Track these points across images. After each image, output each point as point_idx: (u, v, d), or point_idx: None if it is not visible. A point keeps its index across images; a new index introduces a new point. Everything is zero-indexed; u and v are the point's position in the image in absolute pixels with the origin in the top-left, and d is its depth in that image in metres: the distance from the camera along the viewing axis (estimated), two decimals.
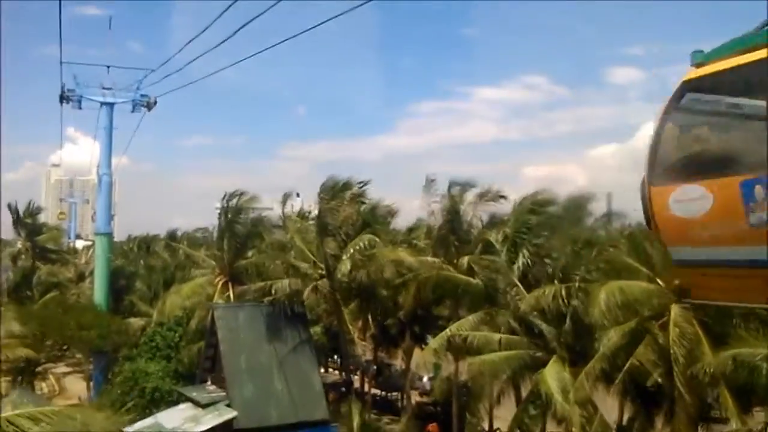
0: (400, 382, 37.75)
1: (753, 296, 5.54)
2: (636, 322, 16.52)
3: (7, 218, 49.73)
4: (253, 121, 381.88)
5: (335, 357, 42.58)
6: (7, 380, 29.78)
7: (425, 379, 39.84)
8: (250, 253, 32.88)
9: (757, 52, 4.71)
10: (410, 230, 37.05)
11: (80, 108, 39.67)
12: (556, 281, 19.71)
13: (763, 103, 5.10)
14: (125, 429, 23.33)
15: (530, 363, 19.10)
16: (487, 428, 27.68)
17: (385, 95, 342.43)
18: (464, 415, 27.23)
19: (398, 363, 39.18)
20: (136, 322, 37.37)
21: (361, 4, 10.60)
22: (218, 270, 32.47)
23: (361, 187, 29.35)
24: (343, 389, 34.84)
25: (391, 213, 33.20)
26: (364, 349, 36.18)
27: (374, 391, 37.94)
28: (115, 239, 53.62)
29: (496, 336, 19.94)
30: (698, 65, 5.27)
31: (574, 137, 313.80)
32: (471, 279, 23.81)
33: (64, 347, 34.94)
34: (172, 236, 57.49)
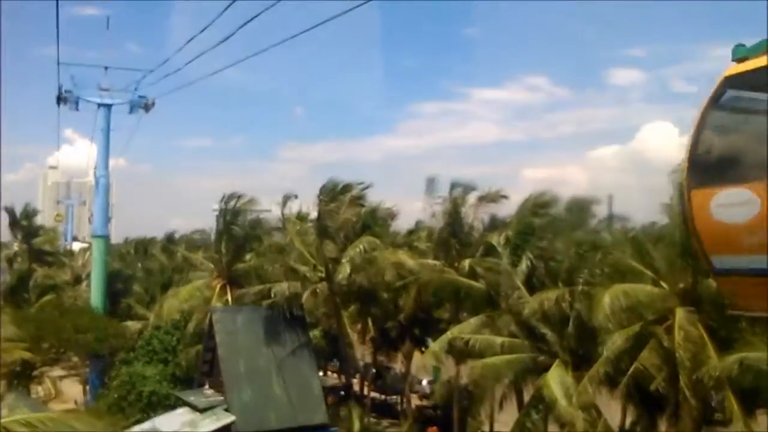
0: (399, 385, 37.54)
1: None
2: (640, 326, 16.34)
3: (4, 220, 49.50)
4: (251, 121, 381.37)
5: (334, 360, 42.35)
6: (3, 384, 29.46)
7: (424, 382, 39.66)
8: (248, 256, 32.66)
9: None
10: (410, 232, 36.88)
11: (77, 109, 39.41)
12: (560, 284, 19.52)
13: None
14: None
15: (533, 367, 18.90)
16: None
17: (386, 96, 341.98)
18: (465, 419, 26.99)
19: (398, 366, 39.00)
20: (133, 325, 37.10)
21: (361, 4, 10.44)
22: (216, 273, 32.23)
23: (362, 190, 29.15)
24: (342, 393, 34.63)
25: (392, 215, 33.02)
26: (363, 353, 35.99)
27: (373, 394, 37.74)
28: (112, 241, 53.41)
29: (498, 339, 19.73)
30: (740, 60, 5.00)
31: (575, 138, 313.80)
32: (473, 282, 23.63)
33: (61, 350, 34.61)
34: (169, 238, 57.24)
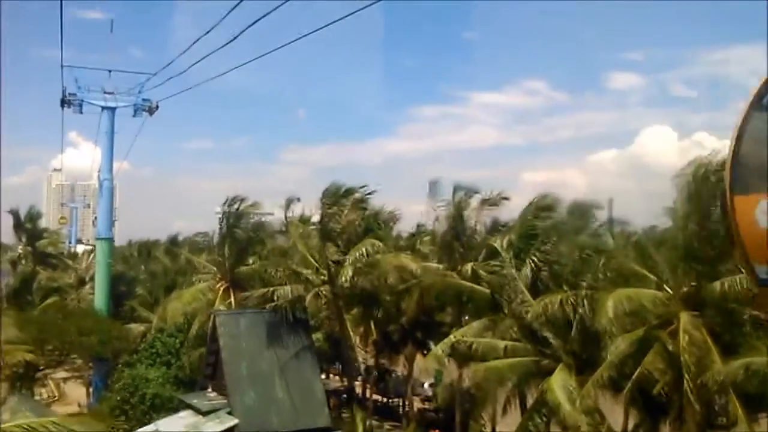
0: (401, 388, 37.55)
1: None
2: (644, 330, 16.29)
3: (8, 223, 49.66)
4: (254, 124, 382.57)
5: (336, 363, 42.33)
6: (6, 386, 29.55)
7: (426, 385, 39.65)
8: (251, 260, 32.70)
9: None
10: (412, 235, 36.88)
11: (81, 112, 39.61)
12: (566, 287, 19.48)
13: None
14: None
15: (536, 370, 18.85)
16: None
17: (386, 99, 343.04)
18: (468, 423, 26.95)
19: (399, 369, 38.99)
20: (136, 327, 37.18)
21: (364, 8, 10.52)
22: (219, 276, 32.27)
23: (367, 194, 29.16)
24: (344, 396, 34.61)
25: (394, 219, 33.03)
26: (365, 356, 35.96)
27: (375, 396, 37.73)
28: (116, 244, 53.49)
29: (502, 343, 19.70)
30: None
31: (574, 142, 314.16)
32: (475, 286, 23.62)
33: (64, 353, 34.69)
34: (173, 241, 57.32)
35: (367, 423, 28.32)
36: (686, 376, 14.86)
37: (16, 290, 43.04)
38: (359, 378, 35.70)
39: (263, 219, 35.43)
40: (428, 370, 32.68)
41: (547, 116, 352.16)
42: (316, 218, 35.61)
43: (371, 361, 37.20)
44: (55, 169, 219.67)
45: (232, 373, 24.49)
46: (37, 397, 37.01)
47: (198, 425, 23.23)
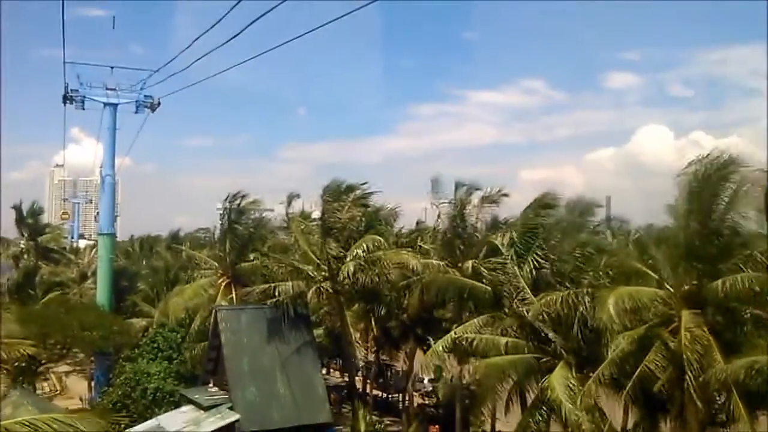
0: (400, 383, 37.63)
1: None
2: (645, 328, 16.29)
3: (10, 218, 49.78)
4: (254, 121, 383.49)
5: (337, 359, 42.42)
6: (7, 380, 29.66)
7: (426, 380, 39.73)
8: (252, 255, 32.75)
9: None
10: (411, 232, 36.87)
11: (83, 108, 39.71)
12: (568, 284, 19.47)
13: None
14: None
15: (537, 367, 18.86)
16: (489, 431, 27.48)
17: (385, 97, 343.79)
18: (468, 419, 27.01)
19: (399, 365, 39.07)
20: (138, 322, 37.34)
21: (362, 6, 10.55)
22: (221, 271, 32.34)
23: (368, 192, 29.15)
24: (344, 393, 34.70)
25: (394, 216, 33.01)
26: (366, 351, 35.98)
27: (375, 392, 37.81)
28: (118, 239, 53.64)
29: (503, 339, 19.68)
30: None
31: (572, 141, 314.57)
32: (476, 282, 23.62)
33: (66, 347, 34.81)
34: (174, 236, 57.42)
35: (368, 417, 28.41)
36: (689, 374, 14.84)
37: (19, 285, 43.21)
38: (359, 373, 35.75)
39: (264, 215, 35.56)
40: (428, 365, 32.69)
41: (545, 115, 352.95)
42: (316, 214, 35.71)
43: (371, 357, 37.26)
44: (57, 165, 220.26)
45: (234, 369, 24.57)
46: (39, 391, 37.16)
47: (199, 420, 23.32)
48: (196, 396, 25.14)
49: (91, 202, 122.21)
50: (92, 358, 39.05)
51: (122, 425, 24.49)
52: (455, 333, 21.97)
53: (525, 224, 23.19)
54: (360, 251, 26.20)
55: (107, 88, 38.75)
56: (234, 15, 13.49)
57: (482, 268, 23.82)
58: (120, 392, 28.66)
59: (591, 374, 17.16)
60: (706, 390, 15.33)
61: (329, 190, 28.27)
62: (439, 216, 26.60)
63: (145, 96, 39.26)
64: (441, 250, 27.04)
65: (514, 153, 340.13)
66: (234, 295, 30.79)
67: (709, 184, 16.12)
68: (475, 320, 21.81)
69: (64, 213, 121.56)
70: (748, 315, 16.23)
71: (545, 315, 18.65)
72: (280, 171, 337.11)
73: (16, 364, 28.90)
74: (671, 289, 16.76)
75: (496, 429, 27.03)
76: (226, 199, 32.86)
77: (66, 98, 38.83)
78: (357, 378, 34.17)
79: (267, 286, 26.87)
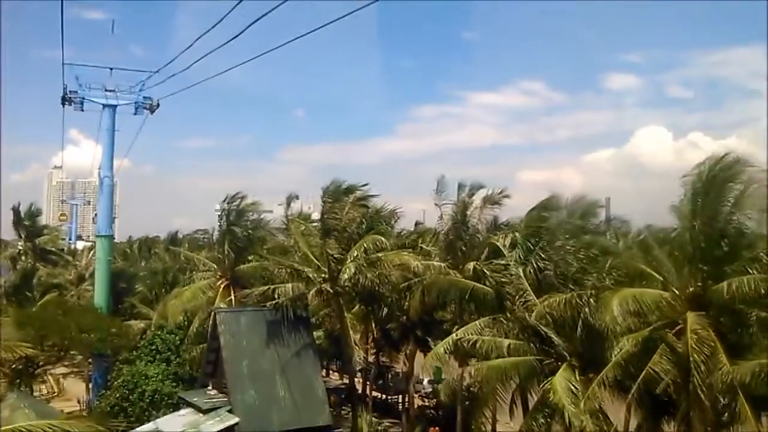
0: (400, 385, 37.46)
1: None
2: (650, 330, 16.12)
3: (7, 219, 49.55)
4: (253, 123, 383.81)
5: (336, 361, 42.22)
6: (5, 382, 29.43)
7: (425, 381, 39.57)
8: (251, 257, 32.53)
9: None
10: (411, 233, 36.66)
11: (82, 110, 39.55)
12: (571, 285, 19.29)
13: None
14: None
15: (539, 370, 18.68)
16: None
17: (385, 98, 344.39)
18: (468, 421, 26.81)
19: (399, 366, 38.91)
20: (136, 324, 37.10)
21: (362, 7, 10.45)
22: (220, 273, 32.12)
23: (369, 195, 28.94)
24: (344, 396, 34.50)
25: (395, 217, 32.78)
26: (366, 353, 35.79)
27: (375, 394, 37.62)
28: (116, 241, 53.38)
29: (505, 341, 19.51)
30: None
31: (572, 142, 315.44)
32: (477, 284, 23.46)
33: (64, 349, 34.58)
34: (173, 238, 57.25)
35: (368, 418, 28.24)
36: (696, 376, 14.67)
37: (16, 286, 42.95)
38: (358, 375, 35.57)
39: (262, 217, 35.35)
40: (427, 367, 32.53)
41: (545, 116, 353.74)
42: (315, 216, 35.54)
43: (371, 359, 37.08)
44: (55, 167, 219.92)
45: (233, 371, 24.35)
46: (36, 394, 36.92)
47: (198, 423, 23.09)
48: (195, 399, 24.91)
49: (90, 204, 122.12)
50: (90, 360, 38.82)
51: (120, 429, 24.28)
52: (457, 335, 21.79)
53: (528, 226, 23.01)
54: (360, 252, 25.98)
55: (106, 90, 38.61)
56: (234, 16, 13.40)
57: (485, 270, 23.64)
58: (118, 395, 28.43)
59: (594, 377, 16.98)
60: (711, 392, 15.16)
61: (329, 191, 28.04)
62: (441, 217, 26.43)
63: (144, 97, 39.11)
64: (442, 252, 26.87)
65: (513, 154, 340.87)
66: (233, 297, 30.58)
67: (714, 184, 15.98)
68: (477, 322, 21.64)
69: (62, 214, 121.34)
70: (754, 317, 16.05)
71: (548, 317, 18.47)
72: (279, 172, 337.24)
73: (14, 366, 28.68)
74: (676, 291, 16.60)
75: (497, 431, 26.82)
76: (224, 201, 32.70)
77: (65, 100, 38.67)
78: (356, 380, 34.00)
79: (266, 288, 26.66)
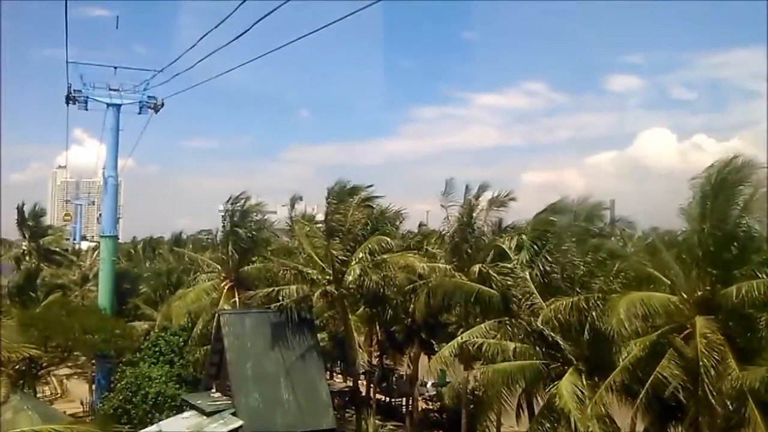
0: (404, 388, 37.30)
1: None
2: (658, 335, 15.95)
3: (11, 219, 49.54)
4: (257, 122, 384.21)
5: (340, 363, 42.08)
6: (8, 384, 29.40)
7: (429, 384, 39.42)
8: (255, 258, 32.42)
9: None
10: (415, 235, 36.51)
11: (86, 109, 39.52)
12: (578, 289, 19.12)
13: None
14: None
15: (545, 374, 18.51)
16: None
17: (388, 99, 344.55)
18: (473, 424, 26.66)
19: (403, 369, 38.74)
20: (140, 325, 37.05)
21: (364, 8, 10.39)
22: (224, 274, 32.02)
23: (374, 196, 28.80)
24: (348, 399, 34.35)
25: (400, 218, 32.62)
26: (370, 356, 35.67)
27: (378, 396, 37.46)
28: (120, 241, 53.40)
29: (511, 345, 19.35)
30: None
31: (574, 143, 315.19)
32: (482, 287, 23.30)
33: (67, 350, 34.54)
34: (177, 239, 57.21)
35: (371, 421, 28.09)
36: (706, 381, 14.49)
37: (20, 287, 42.92)
38: (362, 378, 35.46)
39: (266, 217, 35.24)
40: (434, 370, 32.37)
41: (547, 117, 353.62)
42: (319, 217, 35.40)
43: (375, 361, 36.94)
44: (59, 166, 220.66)
45: (237, 374, 24.26)
46: (39, 395, 36.89)
47: (202, 426, 23.00)
48: (199, 401, 24.82)
49: (94, 204, 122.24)
50: (93, 362, 38.78)
51: None
52: (462, 338, 21.65)
53: (536, 228, 22.83)
54: (366, 254, 25.84)
55: (110, 89, 38.59)
56: (238, 15, 13.33)
57: (490, 273, 23.48)
58: (121, 397, 28.36)
59: (601, 381, 16.82)
60: (720, 397, 14.97)
61: (334, 191, 27.89)
62: (447, 218, 26.27)
63: (148, 97, 39.08)
64: (448, 254, 26.71)
65: (515, 155, 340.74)
66: (237, 298, 30.48)
67: (724, 187, 15.80)
68: (483, 325, 21.50)
69: (66, 214, 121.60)
70: (763, 322, 15.85)
71: (555, 320, 18.29)
72: (283, 172, 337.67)
73: (17, 367, 28.63)
74: (684, 295, 16.42)
75: None
76: (228, 201, 32.61)
77: (69, 99, 38.62)
78: (360, 382, 33.88)
79: (270, 289, 26.54)
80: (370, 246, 26.09)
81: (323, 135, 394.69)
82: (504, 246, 23.44)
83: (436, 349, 30.00)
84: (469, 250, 25.31)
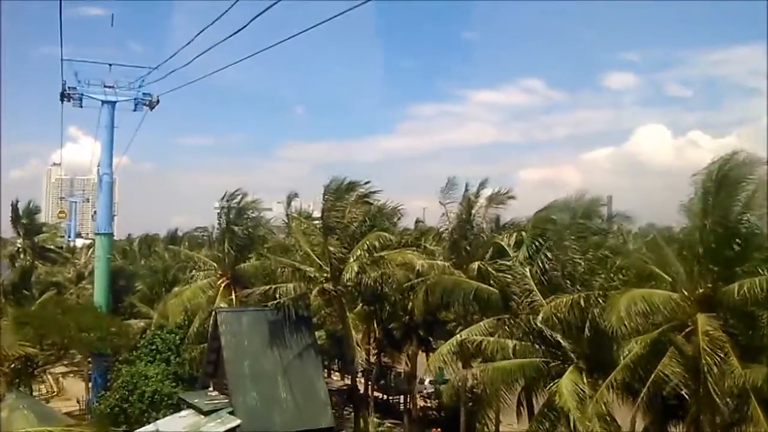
0: (402, 385, 37.22)
1: None
2: (659, 332, 15.84)
3: (6, 217, 49.21)
4: (253, 120, 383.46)
5: (338, 361, 41.97)
6: (3, 382, 29.19)
7: (427, 381, 39.37)
8: (251, 255, 32.22)
9: None
10: (411, 232, 36.39)
11: (81, 106, 39.26)
12: (579, 286, 19.01)
13: None
14: None
15: (545, 372, 18.42)
16: None
17: (385, 96, 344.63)
18: (471, 422, 26.58)
19: (401, 367, 38.67)
20: (136, 323, 36.83)
21: (361, 4, 10.26)
22: (220, 272, 31.82)
23: (372, 192, 28.58)
24: (346, 397, 34.25)
25: (397, 215, 32.48)
26: (368, 353, 35.58)
27: (376, 394, 37.39)
28: (116, 238, 53.07)
29: (510, 343, 19.25)
30: None
31: (571, 140, 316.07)
32: (481, 284, 23.19)
33: (63, 348, 34.33)
34: (172, 236, 56.91)
35: (369, 419, 28.01)
36: (709, 379, 14.40)
37: (15, 285, 42.57)
38: (360, 375, 35.35)
39: (262, 215, 35.00)
40: (433, 368, 32.27)
41: (545, 114, 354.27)
42: (316, 214, 35.19)
43: (373, 359, 36.84)
44: (54, 164, 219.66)
45: (234, 372, 24.08)
46: (35, 393, 36.68)
47: (199, 425, 22.83)
48: (196, 400, 24.63)
49: (89, 201, 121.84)
50: (89, 360, 38.56)
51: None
52: (461, 335, 21.53)
53: (536, 226, 22.70)
54: (363, 251, 25.67)
55: (105, 86, 38.29)
56: (233, 12, 13.18)
57: (490, 270, 23.36)
58: (117, 396, 28.15)
59: (601, 379, 16.72)
60: (722, 395, 14.89)
61: (330, 188, 27.67)
62: (446, 215, 26.12)
63: (143, 94, 38.81)
64: (446, 251, 26.58)
65: (513, 152, 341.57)
66: (234, 296, 30.28)
67: (725, 183, 15.68)
68: (482, 323, 21.37)
69: (61, 212, 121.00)
70: (766, 320, 15.76)
71: (555, 318, 18.17)
72: (279, 170, 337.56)
73: (13, 365, 28.43)
74: (685, 292, 16.31)
75: None
76: (223, 198, 32.33)
77: (63, 96, 38.34)
78: (358, 380, 33.79)
79: (268, 287, 26.36)
80: (367, 243, 25.93)
81: (319, 132, 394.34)
82: (503, 243, 23.28)
83: (434, 346, 29.92)
84: (468, 247, 25.20)
